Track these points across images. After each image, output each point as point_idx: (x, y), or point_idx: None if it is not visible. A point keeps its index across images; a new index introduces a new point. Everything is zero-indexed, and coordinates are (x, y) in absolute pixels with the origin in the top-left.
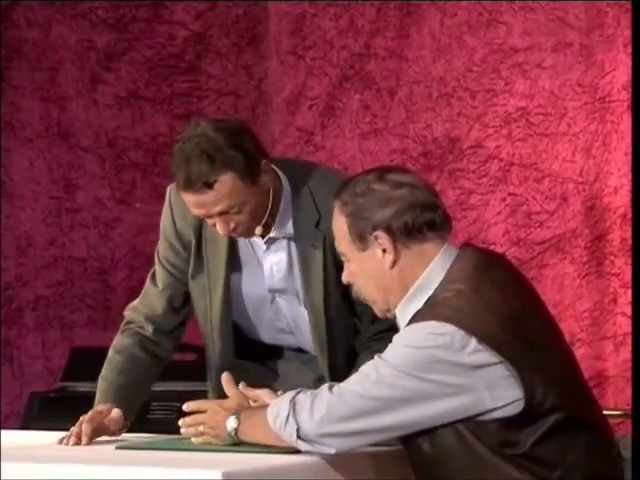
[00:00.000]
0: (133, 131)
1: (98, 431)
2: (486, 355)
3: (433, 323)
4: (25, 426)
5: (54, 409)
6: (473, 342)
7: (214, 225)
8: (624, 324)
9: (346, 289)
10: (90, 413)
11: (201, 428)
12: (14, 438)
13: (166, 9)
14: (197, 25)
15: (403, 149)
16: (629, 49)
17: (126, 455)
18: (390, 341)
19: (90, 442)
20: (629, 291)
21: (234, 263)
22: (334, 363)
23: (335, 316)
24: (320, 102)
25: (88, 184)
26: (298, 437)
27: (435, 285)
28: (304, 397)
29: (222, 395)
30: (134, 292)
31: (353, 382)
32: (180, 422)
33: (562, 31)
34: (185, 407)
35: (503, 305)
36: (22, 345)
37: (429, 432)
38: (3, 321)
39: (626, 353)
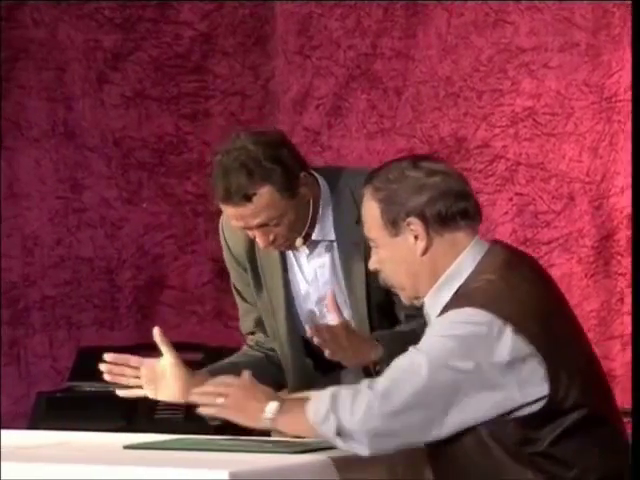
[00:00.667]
0: (140, 131)
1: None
2: (520, 345)
3: (469, 310)
4: (32, 426)
5: (61, 409)
6: (508, 330)
7: (254, 237)
8: (631, 324)
9: (388, 289)
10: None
11: (220, 400)
12: (23, 437)
13: (173, 9)
14: (204, 25)
15: (410, 149)
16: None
17: (133, 455)
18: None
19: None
20: None
21: (288, 277)
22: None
23: (378, 316)
24: (327, 102)
25: (95, 184)
26: (337, 434)
27: (465, 275)
28: (345, 393)
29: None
30: (141, 292)
31: (391, 379)
32: (196, 390)
33: (569, 31)
34: (213, 382)
35: (533, 299)
36: (29, 345)
37: (454, 440)
38: (10, 321)
39: (630, 353)
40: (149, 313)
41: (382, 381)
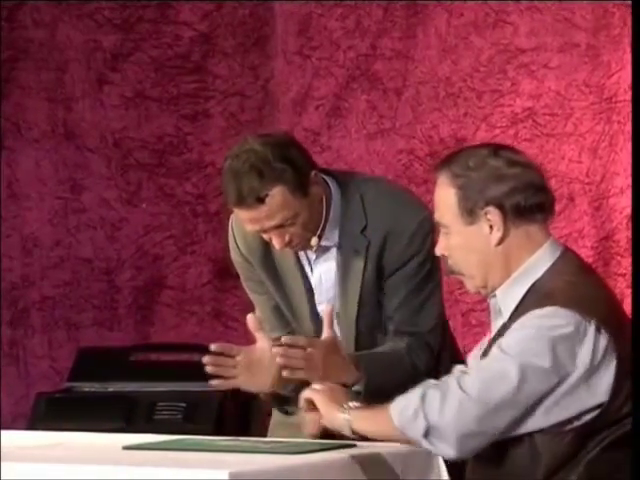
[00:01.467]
0: (139, 131)
1: None
2: (603, 345)
3: (555, 309)
4: (32, 427)
5: (61, 409)
6: (592, 329)
7: (270, 240)
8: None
9: (380, 298)
10: None
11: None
12: (22, 438)
13: (172, 9)
14: (203, 25)
15: (410, 149)
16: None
17: (133, 455)
18: (419, 354)
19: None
20: None
21: (304, 275)
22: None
23: (366, 328)
24: (326, 102)
25: (94, 184)
26: (424, 435)
27: (541, 271)
28: (433, 393)
29: None
30: (140, 292)
31: (482, 380)
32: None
33: (569, 31)
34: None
35: (610, 302)
36: (28, 345)
37: (506, 443)
38: (10, 321)
39: None
40: (148, 314)
41: (473, 382)
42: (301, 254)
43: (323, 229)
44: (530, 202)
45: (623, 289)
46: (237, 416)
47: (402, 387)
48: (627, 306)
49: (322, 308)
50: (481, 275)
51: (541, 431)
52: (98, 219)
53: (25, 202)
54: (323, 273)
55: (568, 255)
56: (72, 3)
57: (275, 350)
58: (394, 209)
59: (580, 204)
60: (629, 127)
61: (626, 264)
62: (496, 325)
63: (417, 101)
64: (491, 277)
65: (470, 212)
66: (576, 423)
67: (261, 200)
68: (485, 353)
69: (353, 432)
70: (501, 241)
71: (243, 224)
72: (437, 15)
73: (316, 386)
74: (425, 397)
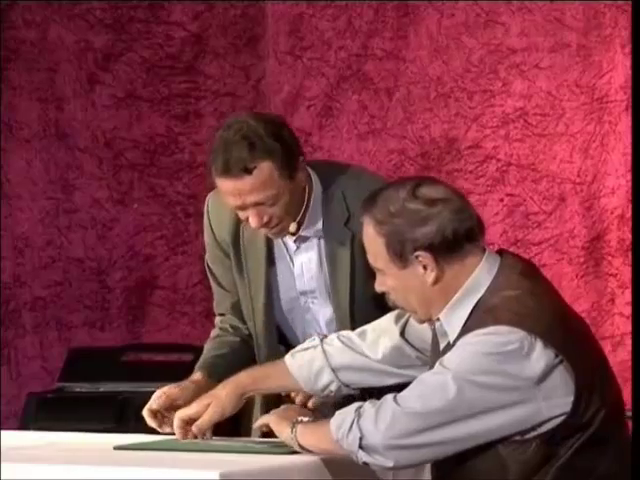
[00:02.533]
0: (131, 132)
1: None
2: (550, 357)
3: (501, 328)
4: (23, 427)
5: (52, 410)
6: (539, 345)
7: (246, 220)
8: (622, 324)
9: (374, 289)
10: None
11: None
12: (13, 438)
13: (164, 10)
14: (195, 26)
15: (401, 150)
16: (627, 49)
17: (124, 455)
18: None
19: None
20: (627, 291)
21: (271, 266)
22: None
23: (361, 318)
24: (318, 103)
25: (85, 185)
26: (360, 446)
27: (483, 290)
28: (369, 407)
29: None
30: (131, 292)
31: (417, 393)
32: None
33: (560, 32)
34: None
35: (553, 309)
36: (20, 346)
37: (468, 454)
38: (0, 322)
39: (624, 353)
40: (140, 314)
41: (409, 397)
42: (280, 245)
43: (303, 217)
44: (458, 235)
45: (614, 289)
46: (228, 417)
47: None
48: (619, 306)
49: (305, 300)
50: (423, 310)
51: (502, 442)
52: (89, 219)
53: (16, 202)
54: (304, 263)
55: (507, 264)
56: (63, 3)
57: None
58: None
59: (571, 204)
60: (620, 127)
61: (617, 264)
62: (441, 345)
63: (408, 101)
64: (434, 310)
65: (401, 257)
66: (535, 433)
67: (248, 171)
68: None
69: (300, 447)
70: (437, 280)
71: (224, 197)
72: (428, 15)
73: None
74: (361, 410)
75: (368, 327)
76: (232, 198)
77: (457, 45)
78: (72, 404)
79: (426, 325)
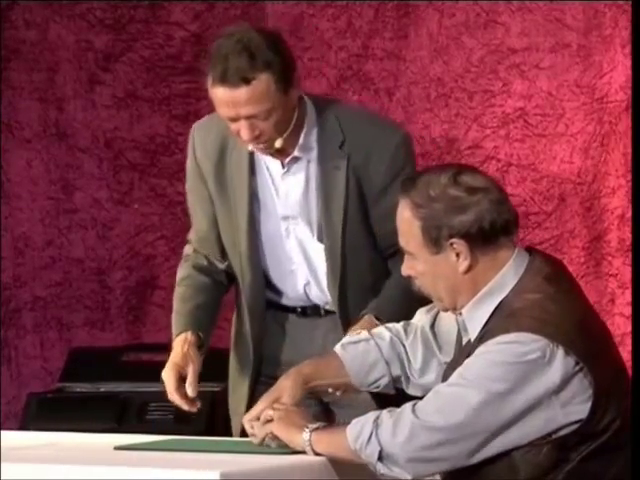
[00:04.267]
0: (131, 132)
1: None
2: (571, 365)
3: (522, 335)
4: (23, 427)
5: (52, 410)
6: (560, 353)
7: (237, 133)
8: (622, 325)
9: (368, 217)
10: (166, 367)
11: (264, 432)
12: (13, 438)
13: (164, 10)
14: (195, 26)
15: None
16: (627, 50)
17: (124, 456)
18: None
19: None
20: (627, 292)
21: (255, 194)
22: (345, 299)
23: (352, 245)
24: None
25: (86, 185)
26: (379, 458)
27: (507, 290)
28: (387, 417)
29: (256, 338)
30: (132, 293)
31: (436, 408)
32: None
33: (560, 32)
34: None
35: (576, 314)
36: (20, 346)
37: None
38: (1, 322)
39: (624, 353)
40: (140, 314)
41: (427, 409)
42: (263, 173)
43: (298, 137)
44: (495, 226)
45: (615, 289)
46: (228, 416)
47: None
48: (619, 307)
49: (286, 226)
50: (449, 299)
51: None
52: (90, 219)
53: (17, 202)
54: (291, 186)
55: (534, 267)
56: (64, 3)
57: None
58: (371, 129)
59: (571, 204)
60: (620, 127)
61: (617, 264)
62: (463, 342)
63: (408, 101)
64: (460, 300)
65: (435, 242)
66: (550, 438)
67: (247, 82)
68: (446, 374)
69: (315, 454)
70: (469, 269)
71: (217, 107)
72: (428, 15)
73: (270, 412)
74: (379, 422)
75: (410, 323)
76: (226, 109)
77: (457, 45)
78: (72, 404)
79: (453, 321)
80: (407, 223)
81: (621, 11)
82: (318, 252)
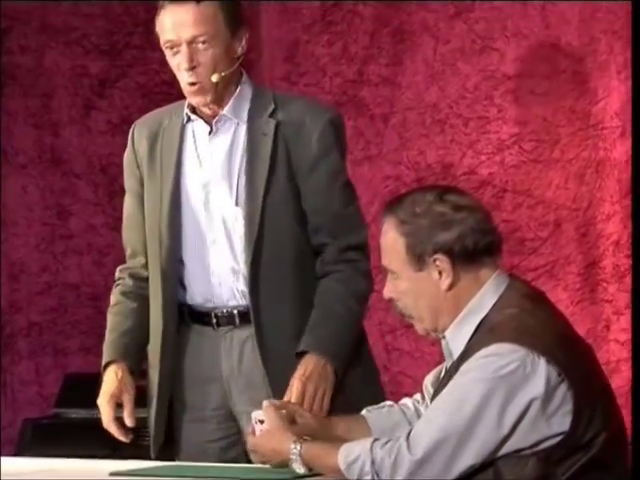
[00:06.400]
0: None
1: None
2: (553, 375)
3: (502, 347)
4: (18, 453)
5: (48, 436)
6: (542, 361)
7: (178, 67)
8: (617, 351)
9: (294, 190)
10: (101, 397)
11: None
12: (9, 465)
13: None
14: None
15: (397, 176)
16: (622, 75)
17: None
18: (360, 265)
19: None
20: (622, 318)
21: (180, 165)
22: (258, 266)
23: (274, 214)
24: None
25: (81, 210)
26: None
27: (487, 308)
28: (383, 454)
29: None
30: None
31: (428, 437)
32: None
33: (555, 58)
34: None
35: (555, 329)
36: (15, 371)
37: (469, 476)
38: None
39: (619, 380)
40: None
41: (420, 442)
42: (190, 140)
43: (230, 96)
44: (478, 246)
45: (610, 315)
46: None
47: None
48: (614, 333)
49: (206, 193)
50: (431, 319)
51: (501, 457)
52: (85, 245)
53: (12, 228)
54: (216, 147)
55: (514, 286)
56: (59, 29)
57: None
58: (304, 104)
59: (567, 230)
60: (615, 154)
61: (612, 290)
62: (447, 365)
63: (404, 127)
64: (441, 321)
65: (419, 259)
66: (536, 448)
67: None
68: (436, 394)
69: (303, 462)
70: (451, 286)
71: (160, 34)
72: (424, 42)
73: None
74: (375, 457)
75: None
76: (169, 32)
77: (453, 71)
78: (68, 430)
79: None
80: (391, 240)
81: (616, 37)
82: (238, 219)
